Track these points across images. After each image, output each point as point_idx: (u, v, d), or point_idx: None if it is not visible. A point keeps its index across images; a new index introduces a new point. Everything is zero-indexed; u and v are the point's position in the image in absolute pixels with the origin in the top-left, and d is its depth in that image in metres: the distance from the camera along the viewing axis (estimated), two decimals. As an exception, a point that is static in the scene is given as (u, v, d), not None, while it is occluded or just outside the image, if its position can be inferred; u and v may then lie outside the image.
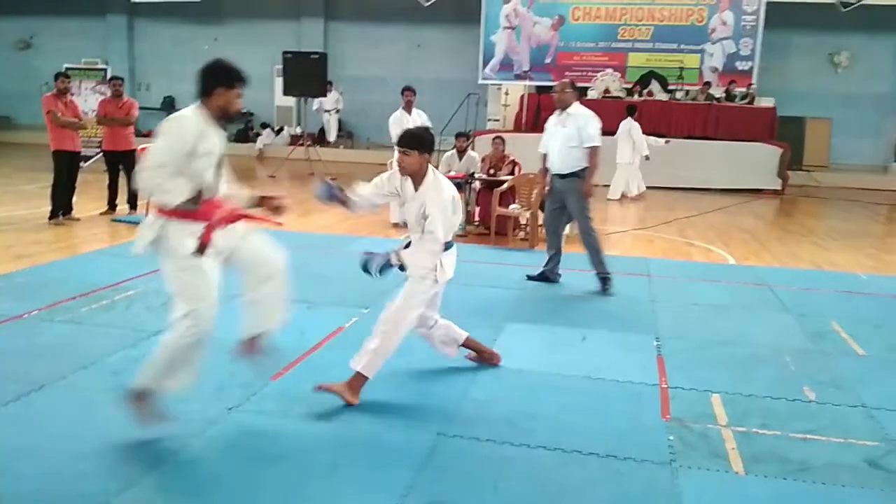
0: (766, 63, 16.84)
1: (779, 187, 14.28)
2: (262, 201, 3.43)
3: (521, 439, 3.41)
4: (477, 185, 8.79)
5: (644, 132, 12.63)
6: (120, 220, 8.55)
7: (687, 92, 16.11)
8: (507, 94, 16.58)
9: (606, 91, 15.67)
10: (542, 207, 7.43)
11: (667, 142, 13.14)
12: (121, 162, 8.93)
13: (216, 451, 3.23)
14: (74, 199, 8.73)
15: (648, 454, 3.31)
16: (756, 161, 14.32)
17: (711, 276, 7.00)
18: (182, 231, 3.06)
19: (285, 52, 15.52)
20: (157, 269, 3.33)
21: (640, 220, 10.58)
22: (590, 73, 16.57)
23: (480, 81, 17.84)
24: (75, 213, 8.65)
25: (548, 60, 17.49)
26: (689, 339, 5.02)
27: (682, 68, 16.05)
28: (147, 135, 3.16)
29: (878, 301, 6.28)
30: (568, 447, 3.35)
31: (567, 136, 6.12)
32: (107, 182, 9.13)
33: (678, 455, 3.32)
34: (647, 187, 12.98)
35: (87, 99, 14.10)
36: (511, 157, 8.97)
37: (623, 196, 12.63)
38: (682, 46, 16.84)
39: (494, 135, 10.32)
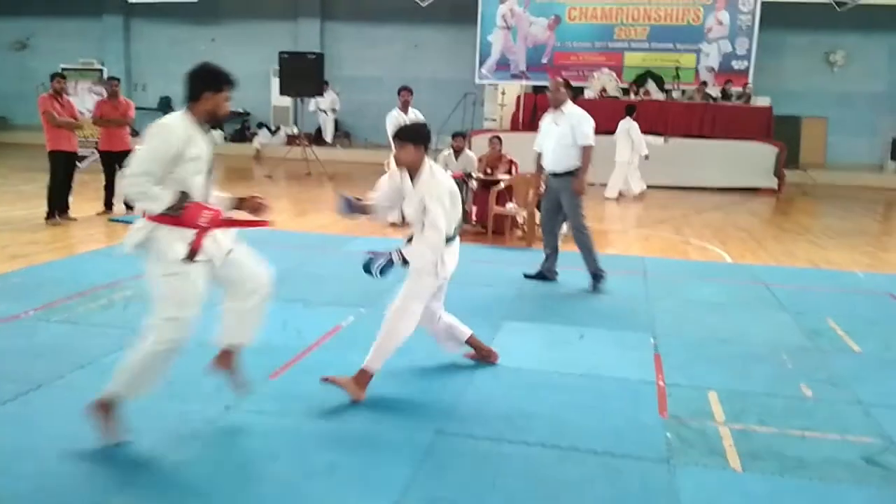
0: (762, 62, 16.88)
1: (775, 186, 14.31)
2: (241, 203, 3.35)
3: (519, 437, 3.42)
4: (474, 184, 8.80)
5: (641, 131, 12.65)
6: (117, 220, 8.54)
7: (683, 91, 16.15)
8: (503, 93, 16.60)
9: (603, 91, 15.70)
10: (538, 206, 7.44)
11: (666, 140, 13.17)
12: (117, 162, 8.91)
13: (214, 450, 3.23)
14: (71, 199, 8.72)
15: (646, 451, 3.32)
16: (752, 160, 14.35)
17: (708, 275, 7.02)
18: (172, 236, 3.02)
19: (282, 53, 15.50)
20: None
21: (636, 219, 10.60)
22: (586, 73, 16.60)
23: (477, 81, 17.86)
24: (72, 213, 8.64)
25: (544, 60, 17.51)
26: (686, 337, 5.03)
27: (678, 68, 16.09)
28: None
29: (874, 299, 6.30)
30: (566, 445, 3.35)
31: (561, 135, 6.13)
32: (103, 182, 9.13)
33: (675, 452, 3.33)
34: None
35: (84, 99, 14.09)
36: (508, 157, 8.99)
37: (620, 195, 12.65)
38: (679, 46, 16.87)
39: (491, 134, 10.34)
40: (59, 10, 20.57)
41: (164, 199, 2.98)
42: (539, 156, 6.46)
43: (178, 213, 3.00)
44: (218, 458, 3.16)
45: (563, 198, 6.24)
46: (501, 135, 10.00)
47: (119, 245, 3.11)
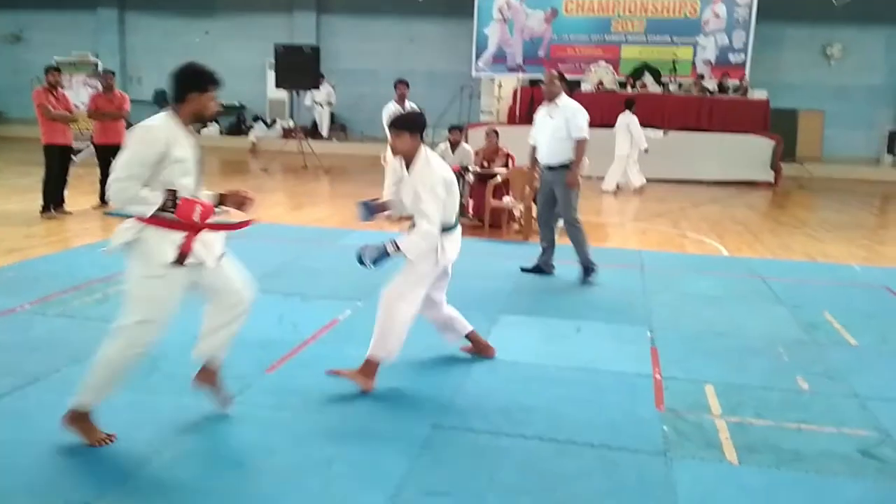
0: (759, 55, 16.88)
1: (772, 179, 14.32)
2: (225, 198, 3.28)
3: (516, 430, 3.42)
4: (471, 178, 8.78)
5: (639, 125, 12.64)
6: (112, 214, 8.51)
7: (680, 84, 16.13)
8: (500, 86, 16.56)
9: (600, 84, 15.68)
10: (535, 200, 7.43)
11: (665, 133, 13.15)
12: (112, 155, 8.79)
13: (211, 444, 3.22)
14: (66, 192, 8.69)
15: (643, 444, 3.33)
16: (749, 153, 14.35)
17: (705, 268, 7.02)
18: (161, 238, 2.98)
19: (277, 45, 15.46)
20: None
21: (633, 212, 10.60)
22: (583, 66, 16.58)
23: (474, 74, 17.83)
24: (67, 206, 8.62)
25: (541, 53, 17.49)
26: (682, 331, 5.04)
27: (675, 61, 16.08)
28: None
29: (870, 292, 6.31)
30: (563, 438, 3.36)
31: (555, 128, 6.13)
32: (98, 176, 9.09)
33: (672, 445, 3.33)
34: (641, 179, 13.01)
35: (78, 92, 14.05)
36: (505, 150, 8.97)
37: (618, 188, 12.64)
38: (675, 39, 16.86)
39: (488, 128, 10.31)
40: (53, 2, 20.47)
41: (153, 201, 2.94)
42: (534, 149, 6.46)
43: (172, 211, 2.97)
44: (214, 453, 3.16)
45: (556, 190, 6.24)
46: (498, 128, 9.97)
47: (106, 243, 3.07)
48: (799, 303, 5.81)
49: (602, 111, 14.26)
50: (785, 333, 5.07)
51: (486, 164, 8.86)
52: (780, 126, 15.37)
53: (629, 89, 15.39)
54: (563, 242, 6.54)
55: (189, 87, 3.04)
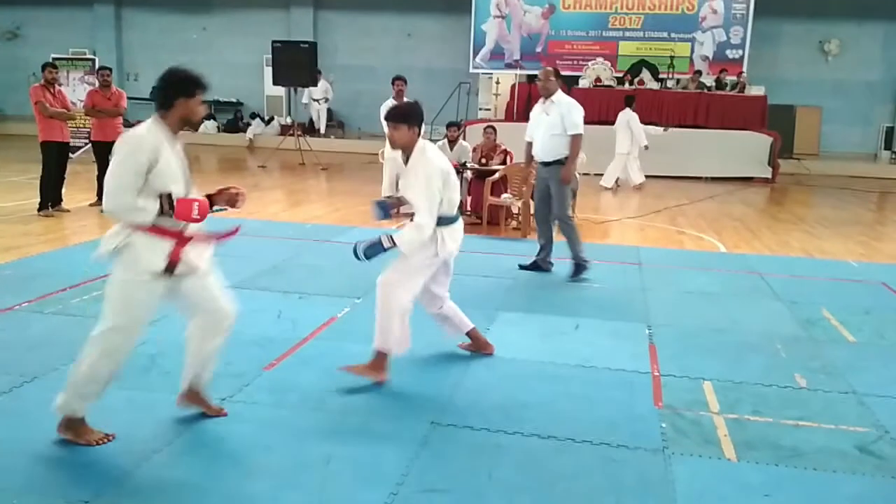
0: (757, 51, 16.87)
1: (769, 175, 14.33)
2: (216, 195, 3.20)
3: (514, 427, 3.42)
4: (469, 174, 8.78)
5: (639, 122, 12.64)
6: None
7: (678, 81, 16.13)
8: (498, 83, 16.55)
9: (597, 80, 15.67)
10: (533, 196, 7.43)
11: (665, 130, 13.14)
12: (110, 153, 8.82)
13: (209, 442, 3.22)
14: (64, 190, 8.67)
15: (641, 441, 3.33)
16: (746, 149, 14.36)
17: (702, 265, 7.03)
18: (149, 245, 2.95)
19: (275, 42, 15.42)
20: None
21: (632, 209, 10.60)
22: (581, 62, 16.57)
23: (471, 70, 17.81)
24: (65, 204, 8.60)
25: (539, 49, 17.47)
26: (680, 327, 5.04)
27: (672, 57, 16.05)
28: (136, 125, 3.05)
29: (868, 288, 6.32)
30: (561, 435, 3.36)
31: (551, 125, 6.14)
32: (96, 173, 9.07)
33: (671, 442, 3.34)
34: (639, 176, 13.01)
35: (76, 89, 14.00)
36: (503, 147, 8.96)
37: (617, 185, 12.64)
38: (673, 35, 16.84)
39: (486, 124, 10.31)
40: (49, -1, 20.43)
41: (150, 209, 2.92)
42: (529, 145, 6.47)
43: (170, 214, 2.96)
44: (213, 450, 3.16)
45: (551, 186, 6.25)
46: (496, 124, 9.98)
47: (96, 249, 3.04)
48: (796, 299, 5.82)
49: (600, 108, 14.31)
50: (783, 330, 5.08)
51: (484, 160, 8.85)
52: (777, 122, 15.38)
53: (626, 85, 15.38)
54: (561, 239, 6.53)
55: (176, 93, 3.00)
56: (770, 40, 17.38)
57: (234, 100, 19.83)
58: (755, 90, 15.62)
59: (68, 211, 8.52)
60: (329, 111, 19.02)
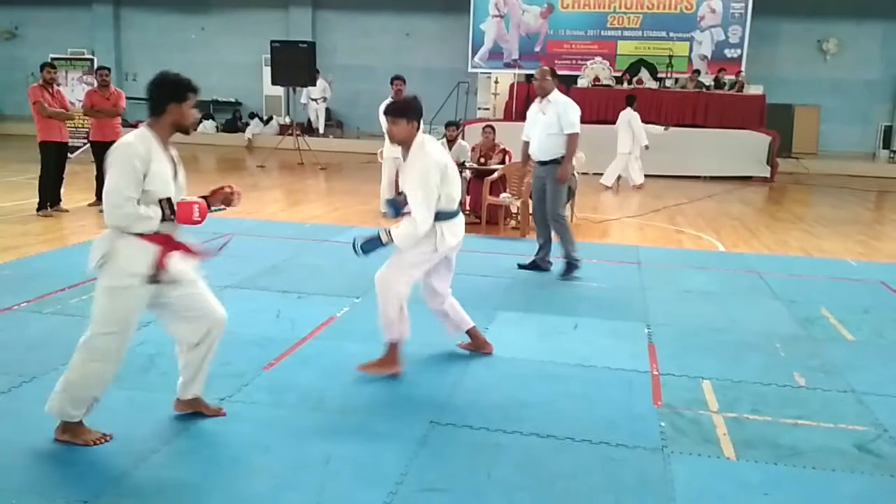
0: (755, 50, 16.88)
1: (768, 175, 14.33)
2: (211, 195, 3.18)
3: (513, 427, 3.42)
4: (468, 174, 8.78)
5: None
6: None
7: (676, 80, 16.13)
8: (496, 82, 16.55)
9: (596, 79, 15.67)
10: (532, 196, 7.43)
11: (666, 129, 13.13)
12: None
13: (208, 442, 3.22)
14: (62, 190, 8.66)
15: (640, 440, 3.33)
16: (745, 148, 14.37)
17: (701, 264, 7.03)
18: (134, 250, 2.93)
19: (273, 42, 15.41)
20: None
21: (631, 208, 10.60)
22: (579, 62, 16.58)
23: (470, 70, 17.81)
24: (63, 204, 8.60)
25: (537, 48, 17.46)
26: (679, 326, 5.04)
27: (671, 56, 16.06)
28: (135, 125, 3.04)
29: (867, 287, 6.33)
30: (560, 434, 3.36)
31: (547, 124, 6.15)
32: (94, 173, 9.07)
33: (670, 441, 3.34)
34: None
35: (74, 89, 13.99)
36: (501, 146, 8.97)
37: (617, 183, 12.62)
38: (672, 34, 16.85)
39: (484, 123, 10.31)
40: (48, -1, 20.42)
41: (154, 216, 2.92)
42: (526, 145, 6.48)
43: (172, 218, 2.96)
44: (212, 450, 3.15)
45: (547, 185, 6.26)
46: (495, 124, 9.98)
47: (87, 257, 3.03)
48: (795, 298, 5.82)
49: (598, 107, 14.31)
50: (781, 329, 5.08)
51: (482, 160, 8.86)
52: (776, 121, 15.39)
53: (625, 85, 15.38)
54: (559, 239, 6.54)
55: (168, 98, 2.98)
56: (768, 39, 17.39)
57: (232, 99, 19.83)
58: (754, 89, 15.63)
59: (67, 211, 8.51)
60: (328, 111, 19.02)
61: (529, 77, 15.87)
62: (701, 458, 3.21)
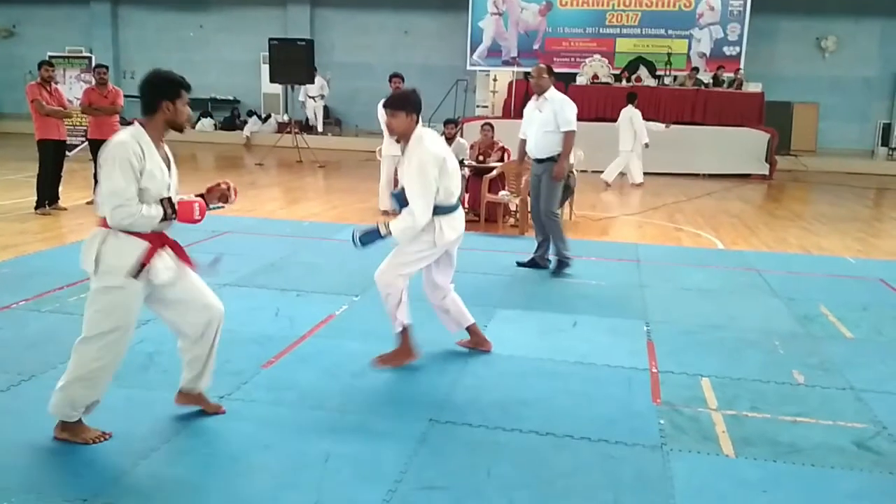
0: (754, 48, 16.88)
1: (766, 172, 14.34)
2: (207, 192, 3.17)
3: (512, 425, 3.42)
4: (466, 171, 8.77)
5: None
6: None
7: (675, 77, 16.12)
8: (495, 80, 16.54)
9: (595, 77, 15.66)
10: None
11: (667, 126, 13.12)
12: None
13: (207, 441, 3.22)
14: (61, 188, 8.65)
15: (639, 438, 3.33)
16: (744, 146, 14.37)
17: (700, 261, 7.03)
18: (125, 249, 2.91)
19: (271, 39, 15.40)
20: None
21: (630, 206, 10.60)
22: (578, 59, 16.56)
23: (468, 68, 17.80)
24: (62, 202, 8.59)
25: (536, 46, 17.46)
26: (678, 324, 5.04)
27: (669, 54, 16.05)
28: (132, 123, 3.02)
29: (865, 284, 6.33)
30: (560, 432, 3.36)
31: (544, 121, 6.15)
32: (92, 171, 9.05)
33: (669, 438, 3.34)
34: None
35: (72, 87, 13.97)
36: (500, 144, 8.95)
37: (621, 176, 12.62)
38: (670, 32, 16.84)
39: (483, 121, 10.29)
40: (45, -3, 20.39)
41: (156, 214, 2.91)
42: (523, 142, 6.49)
43: (173, 217, 2.95)
44: (211, 448, 3.15)
45: (542, 181, 6.26)
46: (493, 121, 9.96)
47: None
48: (794, 296, 5.82)
49: (597, 105, 14.31)
50: (780, 326, 5.08)
51: (481, 157, 8.85)
52: (774, 119, 15.39)
53: (624, 82, 15.37)
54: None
55: (160, 96, 2.96)
56: (767, 37, 17.39)
57: (230, 97, 19.82)
58: (752, 87, 15.62)
59: (65, 209, 8.50)
60: (326, 109, 19.01)
61: (528, 75, 15.92)
62: (700, 456, 3.21)
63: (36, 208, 8.29)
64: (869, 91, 17.78)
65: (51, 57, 12.56)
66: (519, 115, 6.84)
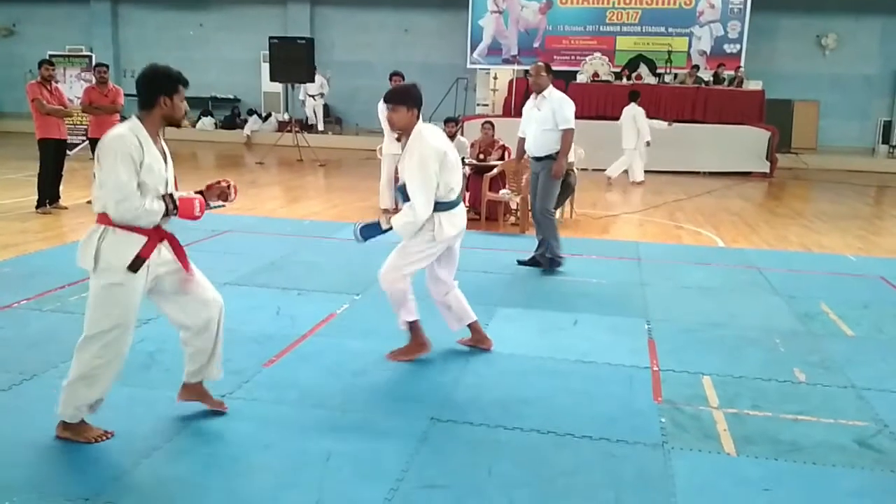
0: (754, 46, 16.87)
1: (767, 170, 14.34)
2: (206, 190, 3.17)
3: (514, 423, 3.42)
4: (467, 170, 8.76)
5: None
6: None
7: (675, 75, 16.12)
8: (495, 78, 16.53)
9: (595, 75, 15.65)
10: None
11: (670, 124, 13.10)
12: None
13: (208, 440, 3.22)
14: (61, 187, 8.66)
15: (641, 436, 3.33)
16: (744, 144, 14.37)
17: (701, 259, 7.03)
18: (123, 244, 2.90)
19: (272, 38, 15.39)
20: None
21: (630, 204, 10.60)
22: (578, 57, 16.56)
23: (469, 66, 17.79)
24: (62, 201, 8.59)
25: (536, 44, 17.45)
26: (679, 322, 5.04)
27: (670, 52, 16.05)
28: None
29: (866, 282, 6.33)
30: (561, 430, 3.36)
31: (542, 120, 6.16)
32: (93, 170, 9.06)
33: (670, 437, 3.34)
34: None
35: (72, 86, 13.97)
36: (501, 142, 8.95)
37: (625, 173, 12.62)
38: (671, 30, 16.84)
39: (484, 120, 10.29)
40: (46, -5, 20.37)
41: (158, 209, 2.91)
42: (521, 141, 6.50)
43: (175, 213, 2.96)
44: (212, 447, 3.15)
45: (539, 179, 6.26)
46: (494, 120, 9.95)
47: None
48: (795, 294, 5.82)
49: (597, 103, 14.30)
50: (781, 324, 5.08)
51: (482, 156, 8.85)
52: (775, 117, 15.38)
53: (624, 80, 15.36)
54: (560, 235, 6.53)
55: (157, 91, 2.96)
56: (767, 35, 17.38)
57: (231, 96, 19.82)
58: (753, 85, 15.62)
59: (66, 208, 8.50)
60: (326, 107, 19.01)
61: (528, 73, 15.91)
62: (701, 454, 3.21)
63: (37, 207, 8.30)
64: (869, 89, 17.76)
65: (51, 56, 12.57)
66: (519, 114, 6.83)
